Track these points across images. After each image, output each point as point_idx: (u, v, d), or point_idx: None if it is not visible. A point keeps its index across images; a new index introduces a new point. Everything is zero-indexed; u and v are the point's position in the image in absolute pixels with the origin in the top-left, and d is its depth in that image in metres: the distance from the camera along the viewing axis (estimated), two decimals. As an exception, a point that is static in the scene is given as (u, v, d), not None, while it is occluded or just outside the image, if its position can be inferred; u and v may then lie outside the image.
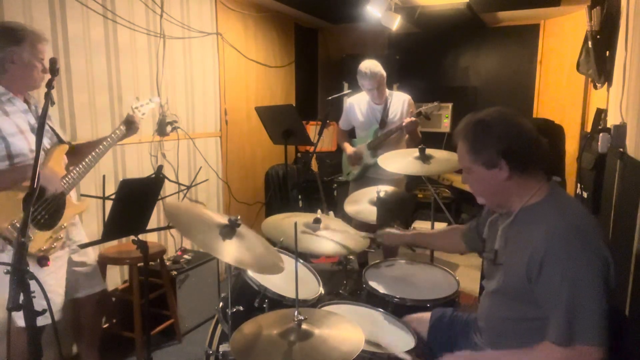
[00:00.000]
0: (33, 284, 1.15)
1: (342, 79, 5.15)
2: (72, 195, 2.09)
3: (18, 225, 1.76)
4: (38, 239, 1.86)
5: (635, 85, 2.02)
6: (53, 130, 2.07)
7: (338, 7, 4.53)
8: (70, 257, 2.15)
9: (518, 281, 1.34)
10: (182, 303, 2.96)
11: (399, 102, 3.32)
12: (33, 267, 1.17)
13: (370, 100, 3.35)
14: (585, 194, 2.80)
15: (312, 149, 3.23)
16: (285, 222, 2.08)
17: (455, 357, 1.45)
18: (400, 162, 2.63)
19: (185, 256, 3.15)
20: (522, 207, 1.40)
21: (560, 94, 4.71)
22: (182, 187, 2.59)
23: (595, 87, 3.06)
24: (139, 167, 3.15)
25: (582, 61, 3.09)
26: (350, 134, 3.57)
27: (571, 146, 4.18)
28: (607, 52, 2.71)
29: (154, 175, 2.07)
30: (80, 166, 2.05)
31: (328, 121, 4.31)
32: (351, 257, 2.40)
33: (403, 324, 1.74)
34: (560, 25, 4.71)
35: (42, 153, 1.81)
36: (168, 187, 2.83)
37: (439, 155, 2.60)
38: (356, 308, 1.85)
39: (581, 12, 3.95)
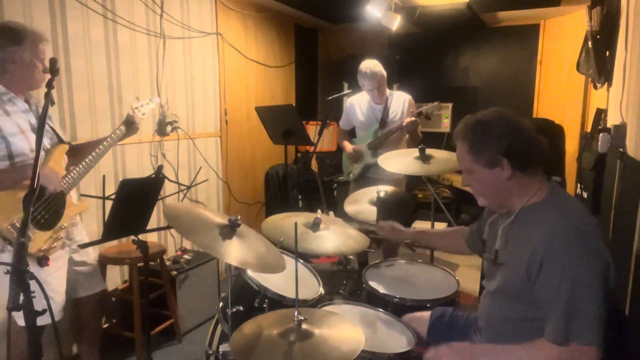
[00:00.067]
0: (33, 284, 1.15)
1: (342, 79, 5.15)
2: (72, 195, 2.09)
3: (18, 226, 1.76)
4: (38, 239, 1.86)
5: (635, 85, 2.02)
6: (53, 130, 2.07)
7: (338, 7, 4.53)
8: (71, 257, 2.15)
9: (518, 281, 1.34)
10: (182, 303, 2.96)
11: (400, 101, 3.32)
12: (33, 267, 1.17)
13: (371, 100, 3.35)
14: (585, 194, 2.80)
15: (312, 149, 3.23)
16: (285, 222, 2.08)
17: (454, 347, 1.45)
18: (400, 162, 2.63)
19: (185, 256, 3.15)
20: (523, 207, 1.40)
21: (560, 94, 4.70)
22: (182, 187, 2.60)
23: (595, 87, 3.06)
24: (139, 167, 3.15)
25: (582, 61, 3.09)
26: (350, 134, 3.56)
27: (571, 146, 4.18)
28: (607, 52, 2.70)
29: (154, 175, 2.07)
30: (81, 166, 2.05)
31: (328, 121, 4.32)
32: (351, 257, 2.40)
33: (403, 323, 1.74)
34: (560, 25, 4.70)
35: (42, 153, 1.82)
36: (168, 187, 2.84)
37: (439, 155, 2.60)
38: (356, 308, 1.85)
39: (581, 12, 3.95)
